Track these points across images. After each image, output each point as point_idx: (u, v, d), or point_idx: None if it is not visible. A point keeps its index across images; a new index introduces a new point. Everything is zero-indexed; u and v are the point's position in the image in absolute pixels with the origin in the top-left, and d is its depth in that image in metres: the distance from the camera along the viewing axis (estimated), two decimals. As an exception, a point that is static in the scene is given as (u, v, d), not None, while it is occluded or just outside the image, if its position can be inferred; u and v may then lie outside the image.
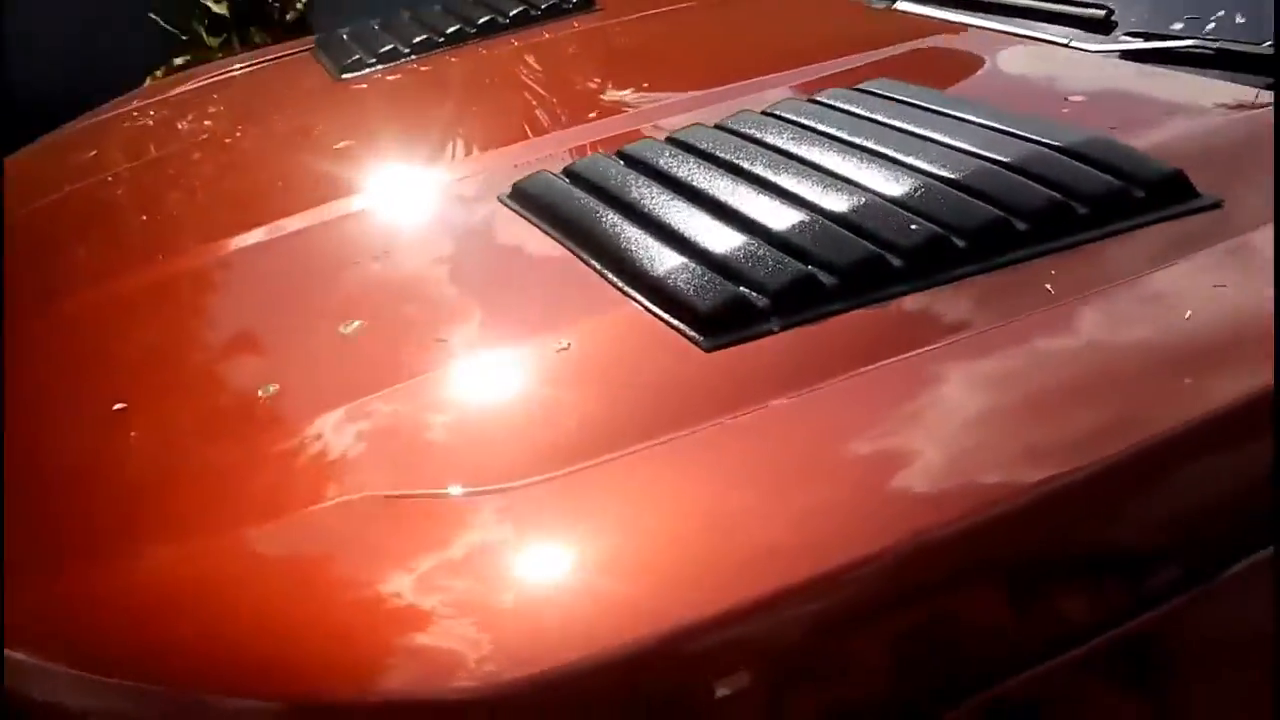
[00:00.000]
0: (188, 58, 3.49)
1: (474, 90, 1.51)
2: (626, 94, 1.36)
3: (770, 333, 0.82)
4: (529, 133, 1.31)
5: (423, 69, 1.60)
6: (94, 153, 1.49)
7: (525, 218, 1.04)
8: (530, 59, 1.59)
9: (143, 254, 1.12)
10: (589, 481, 0.71)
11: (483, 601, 0.64)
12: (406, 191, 1.19)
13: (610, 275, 0.91)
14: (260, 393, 0.84)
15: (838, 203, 0.93)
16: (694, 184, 1.00)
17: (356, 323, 0.90)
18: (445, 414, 0.82)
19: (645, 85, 1.40)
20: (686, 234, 0.92)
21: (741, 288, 0.85)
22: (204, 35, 3.60)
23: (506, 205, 1.07)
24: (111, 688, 0.66)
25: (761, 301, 0.84)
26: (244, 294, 1.03)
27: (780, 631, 0.63)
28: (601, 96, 1.40)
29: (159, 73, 3.28)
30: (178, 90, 1.71)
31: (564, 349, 0.83)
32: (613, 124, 1.27)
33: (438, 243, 1.08)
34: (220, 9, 3.59)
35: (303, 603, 0.66)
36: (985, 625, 0.67)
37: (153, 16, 3.55)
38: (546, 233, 1.00)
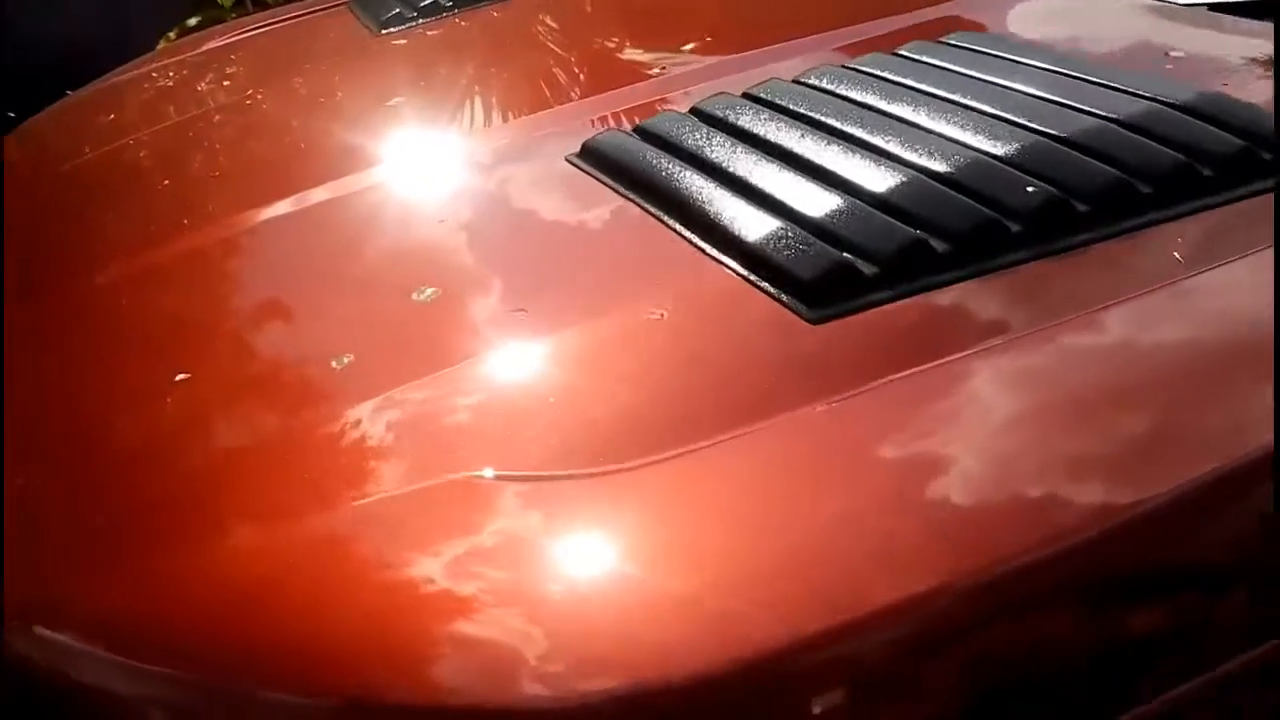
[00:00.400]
0: (199, 19, 3.40)
1: (524, 45, 1.44)
2: (688, 49, 1.29)
3: (881, 303, 0.76)
4: (589, 90, 1.24)
5: (465, 24, 1.52)
6: (138, 110, 1.43)
7: (596, 178, 0.97)
8: (581, 12, 1.52)
9: (202, 217, 1.06)
10: (693, 468, 0.65)
11: (566, 601, 0.59)
12: (465, 151, 1.13)
13: (698, 240, 0.85)
14: (334, 364, 0.79)
15: (942, 162, 0.86)
16: (779, 142, 0.94)
17: (430, 290, 0.84)
18: (530, 391, 0.76)
19: (708, 39, 1.33)
20: (779, 195, 0.86)
21: (846, 254, 0.79)
22: (217, -6, 3.50)
23: (575, 165, 1.01)
24: (162, 677, 0.62)
25: (870, 269, 0.78)
26: (306, 259, 0.96)
27: (901, 651, 0.57)
28: (661, 51, 1.33)
29: (172, 34, 3.19)
30: (208, 48, 1.63)
31: (657, 319, 0.77)
32: (676, 80, 1.19)
33: (505, 205, 1.01)
34: (233, -33, 3.49)
35: (360, 594, 0.61)
36: (1131, 643, 0.62)
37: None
38: (622, 194, 0.94)
